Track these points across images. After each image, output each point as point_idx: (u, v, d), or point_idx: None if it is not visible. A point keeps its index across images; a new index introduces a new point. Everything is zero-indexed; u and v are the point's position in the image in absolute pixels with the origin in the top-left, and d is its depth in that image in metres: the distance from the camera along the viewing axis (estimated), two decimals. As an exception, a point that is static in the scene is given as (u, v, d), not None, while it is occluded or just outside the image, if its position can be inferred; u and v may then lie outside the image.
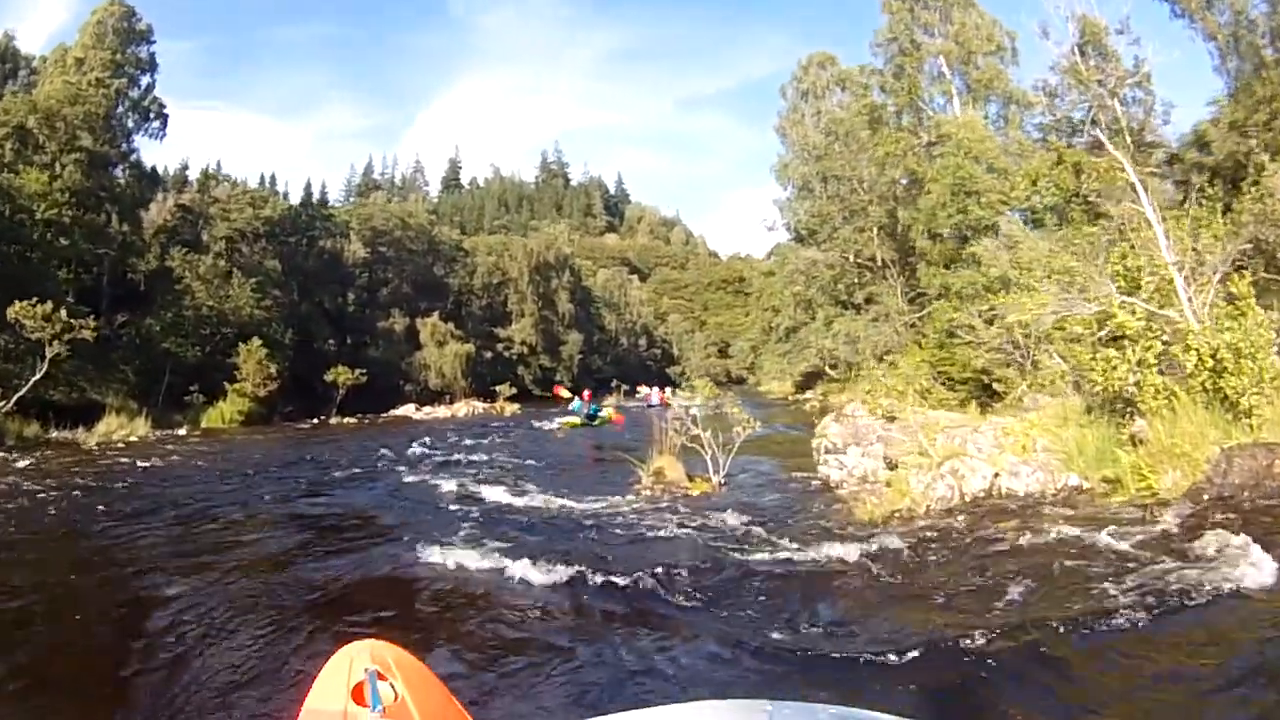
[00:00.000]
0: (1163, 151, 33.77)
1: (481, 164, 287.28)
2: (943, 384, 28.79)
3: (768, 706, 2.38)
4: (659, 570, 8.67)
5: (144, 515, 14.20)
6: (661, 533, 11.50)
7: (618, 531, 11.70)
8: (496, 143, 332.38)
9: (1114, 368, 12.27)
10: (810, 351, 54.06)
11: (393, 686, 3.24)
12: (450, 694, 3.59)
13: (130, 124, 52.13)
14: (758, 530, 11.30)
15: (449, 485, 16.88)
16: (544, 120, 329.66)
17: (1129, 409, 12.47)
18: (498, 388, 59.02)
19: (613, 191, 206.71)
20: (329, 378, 52.63)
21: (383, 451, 25.28)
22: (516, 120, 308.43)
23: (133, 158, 52.78)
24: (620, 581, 8.42)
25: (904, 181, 44.81)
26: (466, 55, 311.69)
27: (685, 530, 11.57)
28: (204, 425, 41.91)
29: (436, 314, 73.87)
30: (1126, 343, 12.84)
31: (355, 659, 3.36)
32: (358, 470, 21.23)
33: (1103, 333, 14.22)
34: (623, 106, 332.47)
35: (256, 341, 47.60)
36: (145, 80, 52.71)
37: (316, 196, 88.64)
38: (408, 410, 53.34)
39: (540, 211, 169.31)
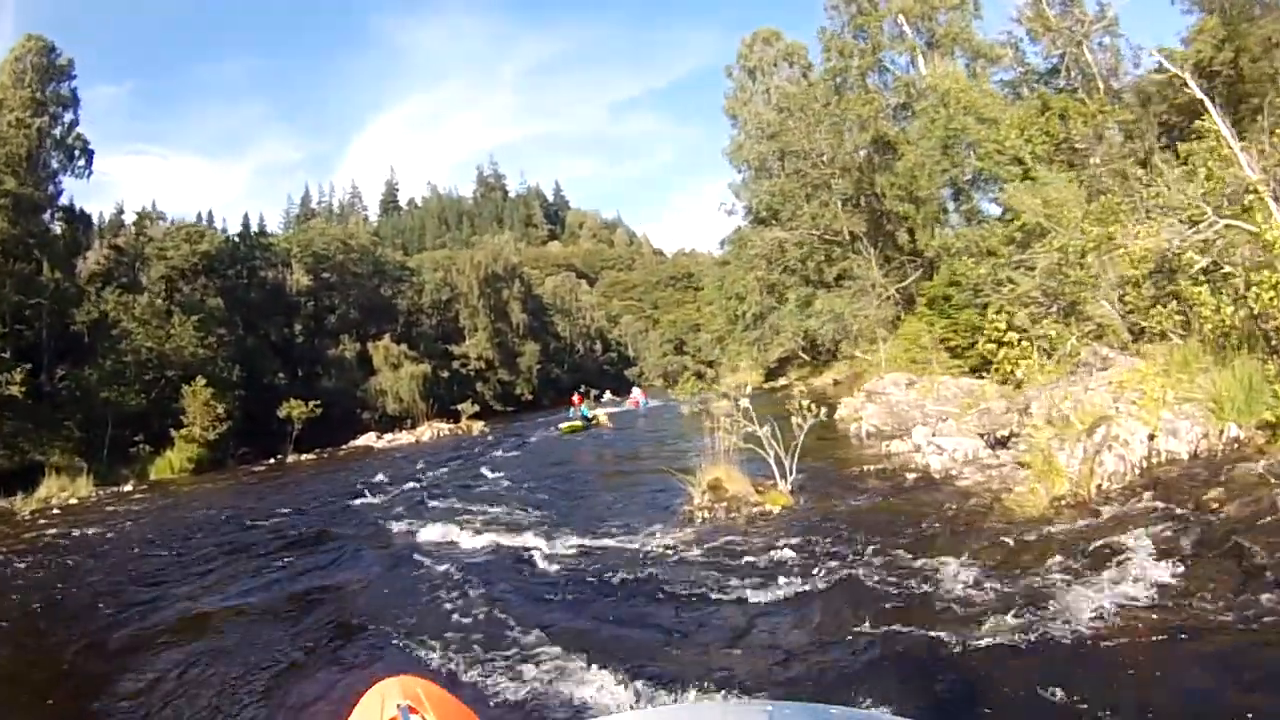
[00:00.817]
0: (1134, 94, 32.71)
1: (419, 184, 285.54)
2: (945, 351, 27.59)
3: (768, 706, 2.24)
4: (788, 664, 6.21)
5: (57, 609, 11.66)
6: (752, 583, 8.34)
7: (681, 584, 8.75)
8: (432, 161, 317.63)
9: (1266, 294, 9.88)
10: (784, 336, 51.89)
11: None
12: None
13: (55, 164, 49.08)
14: (921, 565, 8.23)
15: (438, 533, 13.65)
16: (478, 135, 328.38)
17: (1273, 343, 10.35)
18: (460, 406, 55.40)
19: (552, 200, 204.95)
20: (282, 413, 49.07)
21: (348, 492, 22.40)
22: (451, 137, 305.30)
23: (61, 200, 49.90)
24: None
25: (866, 151, 43.79)
26: (396, 77, 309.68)
27: (792, 574, 8.47)
28: (153, 477, 38.98)
29: (388, 336, 70.52)
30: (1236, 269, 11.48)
31: (387, 696, 3.34)
32: (319, 520, 18.19)
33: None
34: (555, 115, 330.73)
35: (200, 381, 44.36)
36: (68, 117, 49.81)
37: (255, 229, 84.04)
38: (368, 440, 49.81)
39: (481, 226, 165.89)
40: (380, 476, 25.58)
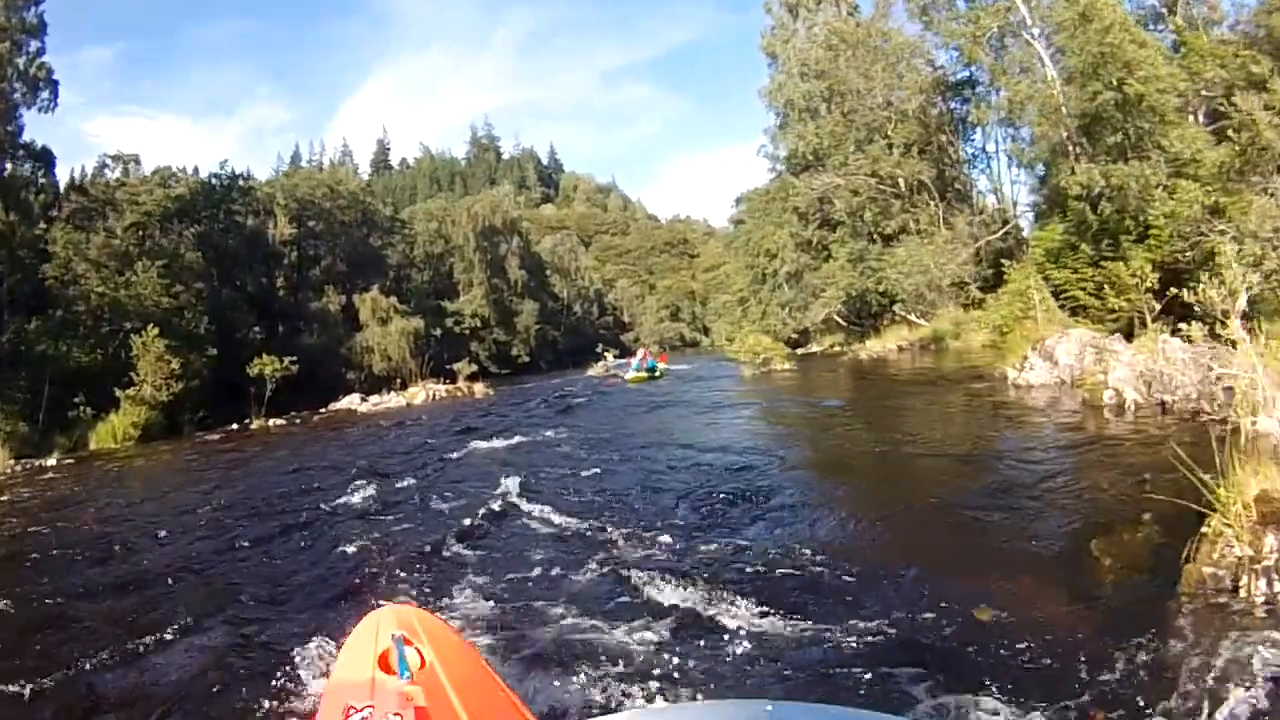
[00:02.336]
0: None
1: (410, 144, 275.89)
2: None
3: (768, 706, 2.22)
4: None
5: None
6: None
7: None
8: (425, 123, 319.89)
9: None
10: (830, 295, 45.16)
11: (420, 652, 3.10)
12: (481, 658, 3.42)
13: (17, 97, 42.57)
14: None
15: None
16: (471, 99, 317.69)
17: None
18: (457, 366, 47.75)
19: (546, 163, 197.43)
20: (253, 371, 42.02)
21: (320, 477, 15.90)
22: (443, 100, 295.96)
23: (22, 140, 43.88)
24: None
25: (962, 75, 41.68)
26: (388, 42, 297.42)
27: None
28: (92, 446, 32.02)
29: (375, 289, 62.68)
30: None
31: (381, 625, 3.24)
32: (275, 523, 11.78)
33: None
34: (548, 82, 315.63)
35: (152, 331, 37.08)
36: (33, 45, 43.11)
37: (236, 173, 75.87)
38: (351, 402, 42.06)
39: (473, 187, 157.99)
40: (364, 454, 19.15)
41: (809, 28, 48.67)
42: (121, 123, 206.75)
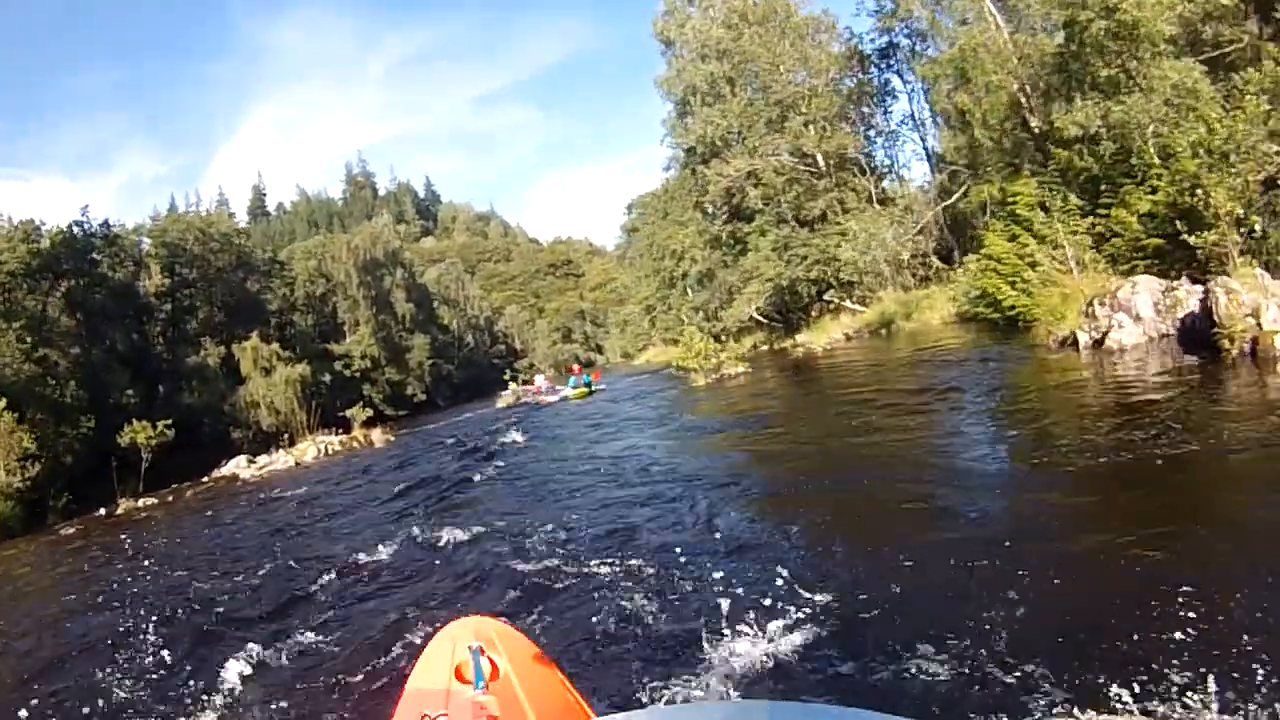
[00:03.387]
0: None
1: (287, 188, 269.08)
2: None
3: (768, 706, 2.28)
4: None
5: None
6: None
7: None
8: (300, 164, 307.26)
9: None
10: (752, 290, 41.95)
11: (495, 662, 3.18)
12: (556, 668, 3.42)
13: None
14: None
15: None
16: (345, 135, 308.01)
17: None
18: (350, 413, 42.99)
19: (423, 195, 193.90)
20: (124, 440, 36.71)
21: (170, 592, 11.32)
22: (317, 138, 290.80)
23: None
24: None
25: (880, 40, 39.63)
26: (259, 80, 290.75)
27: None
28: None
29: (255, 336, 56.78)
30: None
31: (459, 637, 3.31)
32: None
33: None
34: (421, 111, 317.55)
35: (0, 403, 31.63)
36: None
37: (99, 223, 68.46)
38: (237, 466, 36.40)
39: (351, 226, 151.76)
40: (240, 545, 14.96)
41: (705, 9, 44.88)
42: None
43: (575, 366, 46.45)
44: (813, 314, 41.08)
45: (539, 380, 47.90)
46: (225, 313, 61.58)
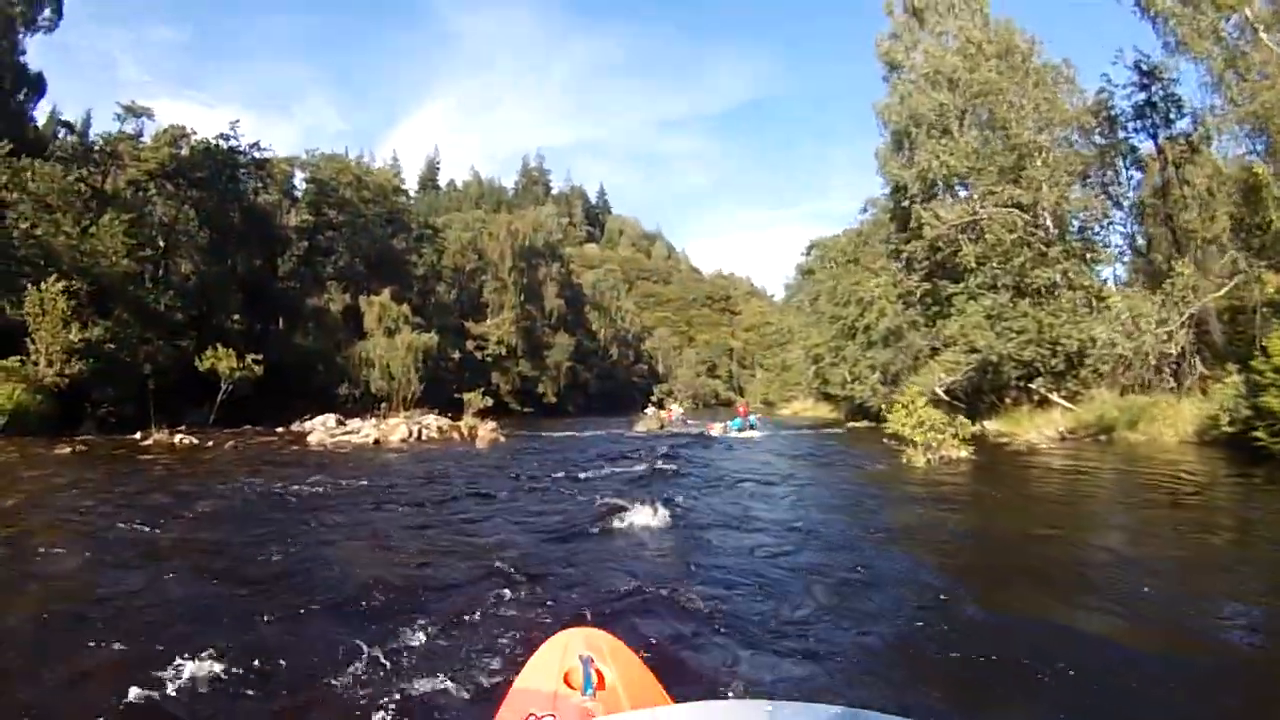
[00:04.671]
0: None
1: (461, 168, 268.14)
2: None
3: (768, 706, 2.18)
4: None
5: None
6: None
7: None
8: (477, 150, 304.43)
9: None
10: (952, 357, 34.38)
11: (603, 672, 3.16)
12: (660, 684, 3.41)
13: (16, 10, 40.08)
14: None
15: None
16: (524, 131, 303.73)
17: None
18: (467, 397, 36.16)
19: (594, 202, 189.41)
20: (203, 365, 32.65)
21: None
22: (497, 129, 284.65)
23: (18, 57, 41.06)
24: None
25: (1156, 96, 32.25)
26: (448, 59, 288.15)
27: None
28: None
29: (387, 292, 51.07)
30: None
31: (570, 645, 3.31)
32: None
33: None
34: (603, 122, 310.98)
35: (56, 285, 27.54)
36: None
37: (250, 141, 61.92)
38: (318, 426, 29.45)
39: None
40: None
41: (938, 34, 39.39)
42: (180, 106, 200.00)
43: (743, 406, 41.84)
44: (1007, 401, 34.33)
45: (674, 409, 43.55)
46: (365, 264, 56.14)
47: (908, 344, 39.72)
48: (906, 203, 38.07)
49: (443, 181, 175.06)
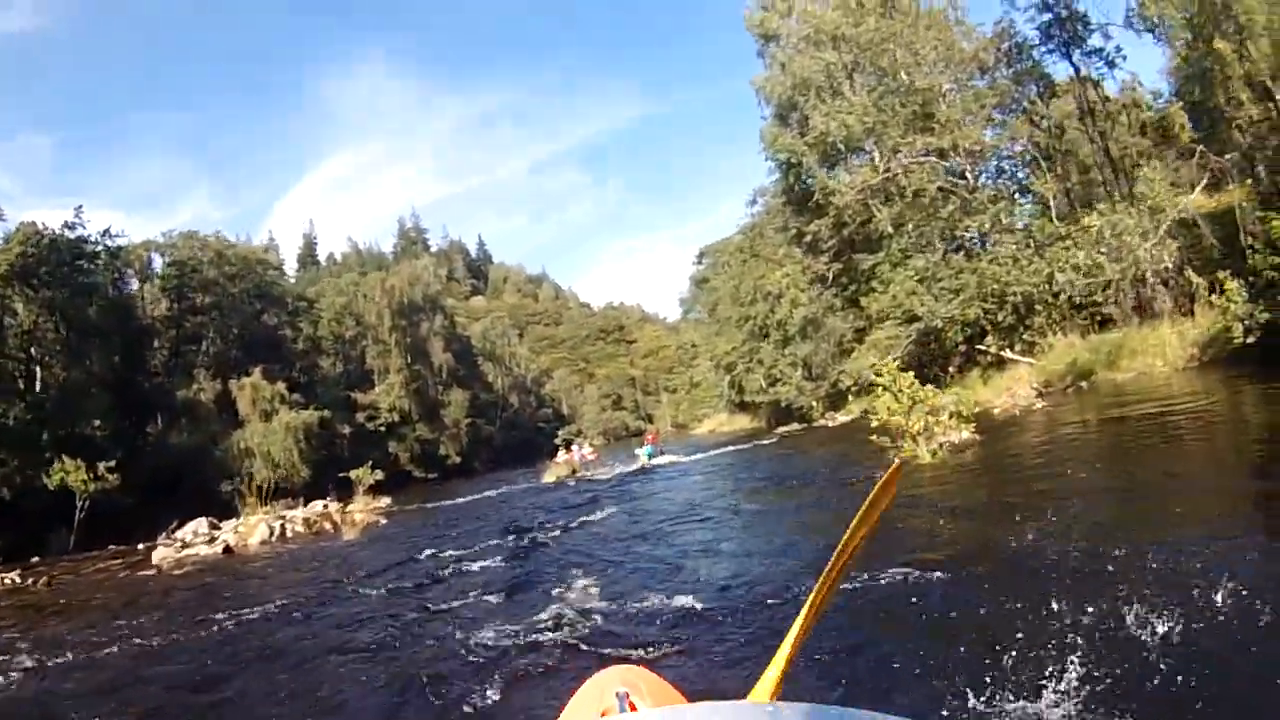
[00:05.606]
0: None
1: (339, 240, 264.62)
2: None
3: (768, 707, 1.78)
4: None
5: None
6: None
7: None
8: (353, 219, 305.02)
9: None
10: (888, 334, 32.05)
11: (638, 706, 2.58)
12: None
13: None
14: None
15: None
16: (400, 193, 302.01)
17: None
18: (354, 474, 32.34)
19: (475, 255, 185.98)
20: (52, 482, 29.08)
21: None
22: (373, 196, 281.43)
23: None
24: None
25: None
26: (321, 135, 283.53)
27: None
28: None
29: (258, 373, 47.06)
30: None
31: (606, 685, 2.76)
32: None
33: None
34: (478, 172, 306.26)
35: None
36: None
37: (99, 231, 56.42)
38: (184, 537, 23.50)
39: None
40: None
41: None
42: (57, 215, 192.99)
43: (651, 434, 42.18)
44: (951, 370, 31.75)
45: (581, 448, 39.87)
46: (239, 347, 52.46)
47: (829, 331, 37.88)
48: (803, 180, 36.89)
49: (322, 256, 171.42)
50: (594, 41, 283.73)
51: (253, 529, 22.79)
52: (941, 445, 14.57)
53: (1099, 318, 27.49)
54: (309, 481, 39.64)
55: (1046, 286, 26.88)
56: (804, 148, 35.13)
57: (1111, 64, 30.07)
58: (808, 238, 37.20)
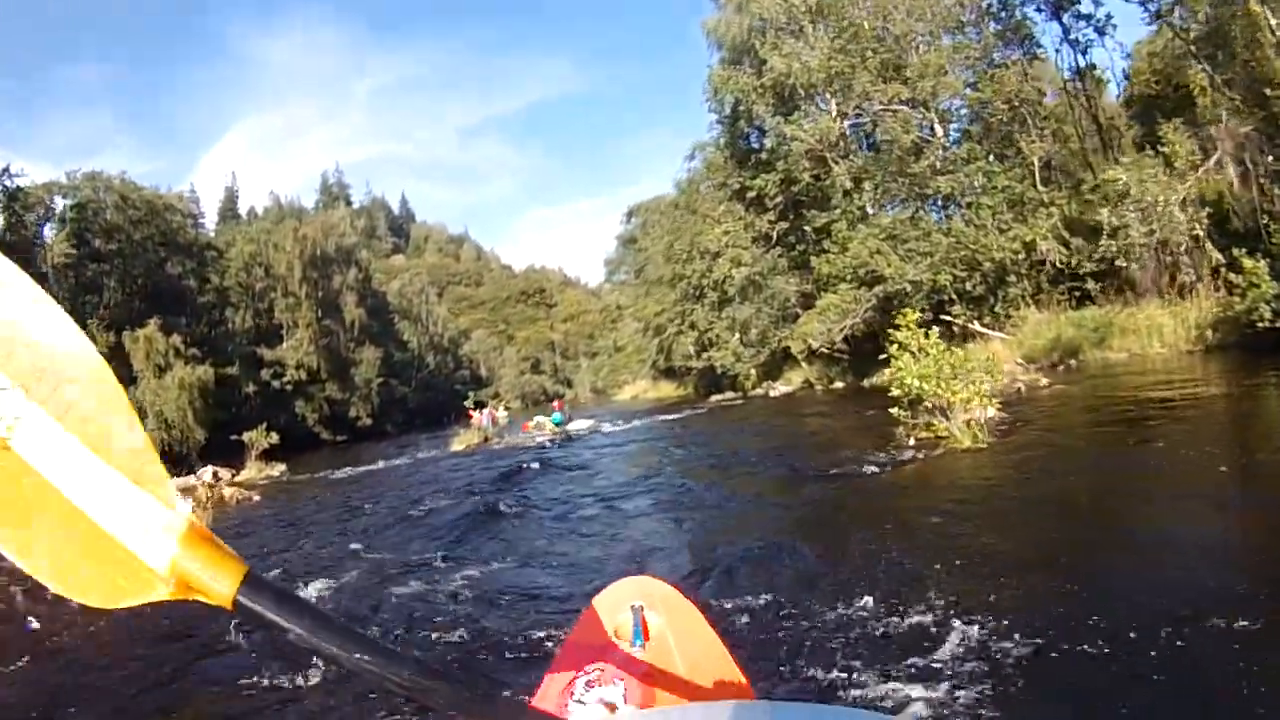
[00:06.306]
0: None
1: (262, 195, 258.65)
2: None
3: (768, 707, 1.95)
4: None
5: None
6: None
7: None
8: (278, 179, 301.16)
9: None
10: (840, 298, 29.89)
11: (655, 623, 2.82)
12: (714, 630, 3.03)
13: None
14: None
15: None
16: (326, 152, 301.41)
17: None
18: (247, 436, 29.83)
19: (398, 212, 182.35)
20: None
21: None
22: (298, 156, 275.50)
23: None
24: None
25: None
26: (248, 89, 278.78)
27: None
28: None
29: (154, 325, 43.91)
30: None
31: (621, 595, 2.97)
32: None
33: None
34: (404, 137, 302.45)
35: None
36: None
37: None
38: None
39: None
40: None
41: None
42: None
43: (560, 401, 40.20)
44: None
45: (496, 410, 37.66)
46: (141, 298, 48.81)
47: (773, 293, 35.91)
48: (751, 129, 35.86)
49: (243, 210, 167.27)
50: (528, 10, 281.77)
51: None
52: (979, 423, 12.01)
53: (1078, 293, 25.83)
54: (204, 445, 36.87)
55: (1025, 255, 25.31)
56: (758, 88, 32.99)
57: (1101, 31, 28.76)
58: (752, 193, 35.16)
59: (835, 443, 15.13)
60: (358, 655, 1.01)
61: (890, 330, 12.93)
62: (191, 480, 22.33)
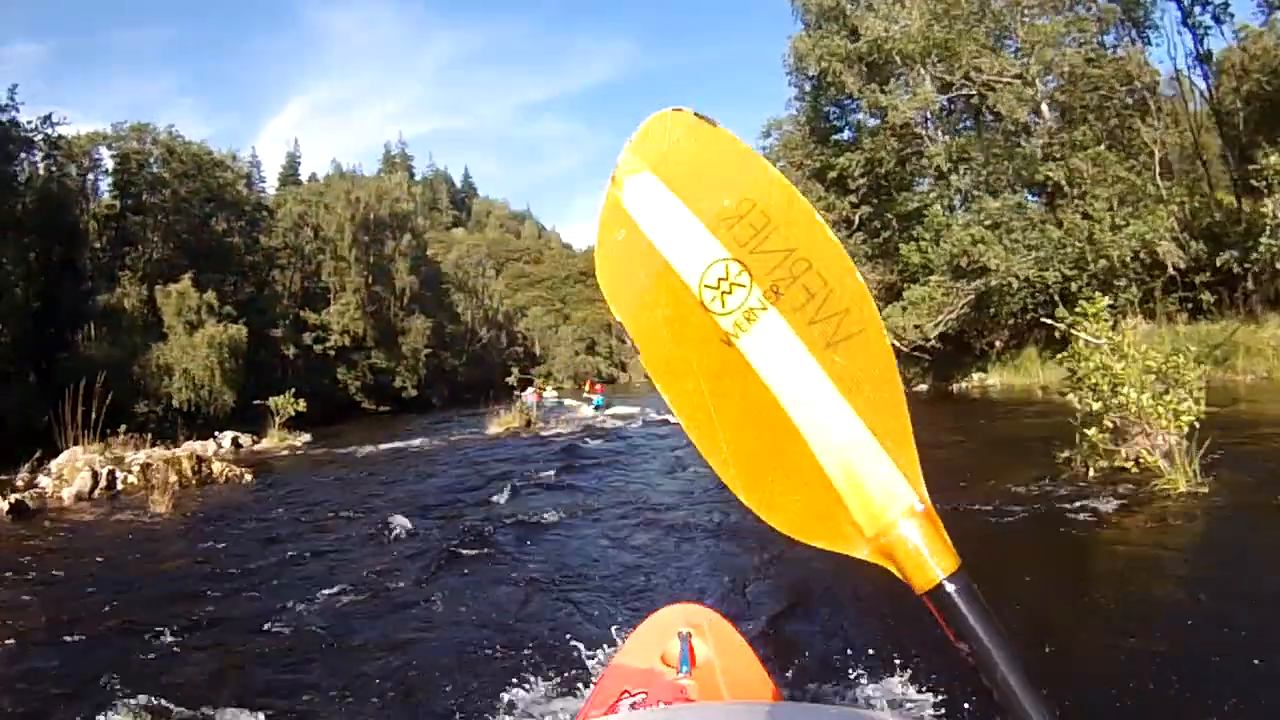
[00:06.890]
0: None
1: (323, 161, 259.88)
2: None
3: (768, 707, 2.11)
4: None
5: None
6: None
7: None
8: (340, 147, 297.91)
9: None
10: (931, 289, 26.87)
11: (701, 648, 2.93)
12: (759, 660, 3.12)
13: None
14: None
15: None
16: (388, 124, 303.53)
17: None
18: (272, 401, 28.29)
19: (460, 187, 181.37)
20: None
21: None
22: (361, 125, 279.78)
23: None
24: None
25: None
26: (311, 60, 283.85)
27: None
28: None
29: (187, 279, 41.23)
30: None
31: (670, 621, 3.14)
32: None
33: None
34: (467, 111, 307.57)
35: None
36: None
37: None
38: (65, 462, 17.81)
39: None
40: None
41: None
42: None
43: (598, 384, 42.33)
44: (998, 345, 27.31)
45: (538, 393, 37.15)
46: (185, 254, 46.35)
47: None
48: (836, 103, 33.40)
49: (304, 176, 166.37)
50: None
51: (73, 476, 16.59)
52: (1191, 458, 8.47)
53: (1189, 304, 22.98)
54: (233, 409, 34.63)
55: (1137, 257, 22.41)
56: (850, 54, 29.80)
57: (1219, 19, 25.80)
58: (833, 173, 32.32)
59: (963, 465, 11.61)
60: (1021, 700, 0.91)
61: (1048, 321, 9.89)
62: (208, 446, 19.74)
